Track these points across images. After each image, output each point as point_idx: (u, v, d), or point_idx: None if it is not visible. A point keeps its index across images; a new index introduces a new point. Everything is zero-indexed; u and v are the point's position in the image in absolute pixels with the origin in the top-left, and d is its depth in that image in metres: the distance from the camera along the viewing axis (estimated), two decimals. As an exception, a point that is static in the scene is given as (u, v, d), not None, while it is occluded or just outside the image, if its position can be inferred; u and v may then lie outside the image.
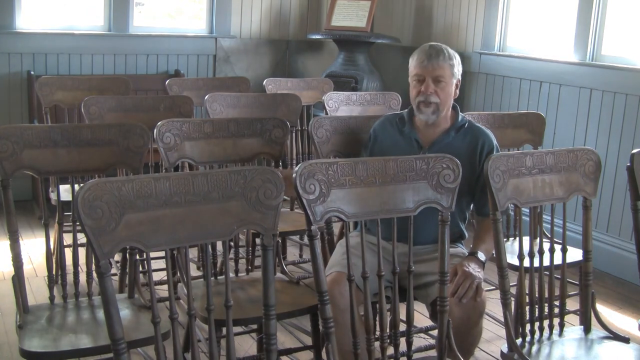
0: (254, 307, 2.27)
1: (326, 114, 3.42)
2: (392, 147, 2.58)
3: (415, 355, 2.38)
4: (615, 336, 2.17)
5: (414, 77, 2.55)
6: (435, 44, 2.59)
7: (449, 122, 2.59)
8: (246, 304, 2.33)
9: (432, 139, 2.57)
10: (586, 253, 2.20)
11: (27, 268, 3.47)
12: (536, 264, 2.16)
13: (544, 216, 3.17)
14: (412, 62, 2.56)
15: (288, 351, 2.77)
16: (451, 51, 2.57)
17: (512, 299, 2.08)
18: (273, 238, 1.73)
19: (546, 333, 2.15)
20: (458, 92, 2.60)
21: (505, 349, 2.04)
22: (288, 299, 2.37)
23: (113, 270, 2.87)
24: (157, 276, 3.37)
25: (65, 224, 2.41)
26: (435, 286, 2.34)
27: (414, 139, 2.58)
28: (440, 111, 2.54)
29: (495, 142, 2.59)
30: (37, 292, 3.41)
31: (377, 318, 1.94)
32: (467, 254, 2.52)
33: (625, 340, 2.15)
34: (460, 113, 2.64)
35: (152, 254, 1.64)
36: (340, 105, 3.51)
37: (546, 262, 2.16)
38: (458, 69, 2.58)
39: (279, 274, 2.61)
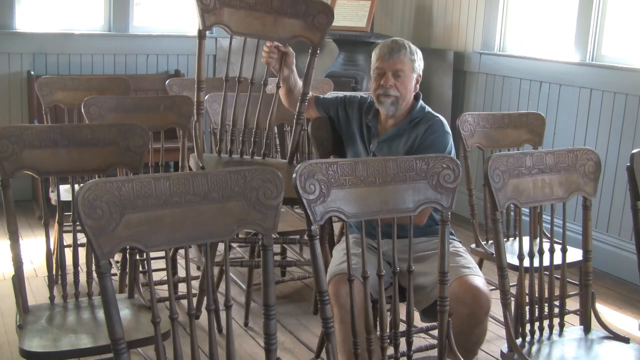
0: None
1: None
2: (357, 130, 2.70)
3: (416, 355, 2.38)
4: (615, 336, 2.17)
5: (375, 70, 2.61)
6: (398, 39, 2.62)
7: (405, 115, 2.61)
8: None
9: (386, 129, 2.64)
10: (586, 253, 2.20)
11: (27, 268, 3.47)
12: (536, 264, 2.16)
13: (543, 216, 3.17)
14: (374, 56, 2.61)
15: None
16: (413, 47, 2.61)
17: (512, 299, 2.08)
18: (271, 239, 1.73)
19: (546, 333, 2.15)
20: (418, 87, 2.63)
21: (505, 349, 2.04)
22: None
23: (113, 270, 2.87)
24: (157, 276, 3.37)
25: (65, 224, 2.41)
26: (425, 292, 2.35)
27: (372, 126, 2.66)
28: (399, 104, 2.58)
29: (438, 134, 2.54)
30: (37, 292, 3.41)
31: (378, 318, 1.94)
32: (462, 248, 2.51)
33: (625, 340, 2.15)
34: (421, 105, 2.65)
35: (152, 254, 1.64)
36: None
37: (546, 262, 2.16)
38: (419, 64, 2.61)
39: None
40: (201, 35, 2.60)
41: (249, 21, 2.57)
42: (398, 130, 2.59)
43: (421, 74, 2.64)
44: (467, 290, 2.25)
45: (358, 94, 2.88)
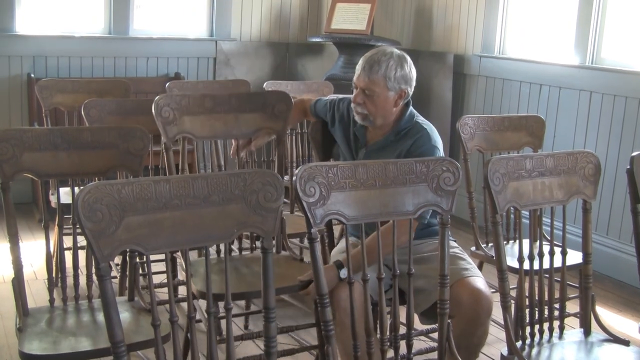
0: (257, 281, 2.31)
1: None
2: (343, 137, 2.66)
3: (416, 358, 2.38)
4: (615, 339, 2.17)
5: (353, 83, 2.54)
6: (381, 50, 2.50)
7: (392, 125, 2.56)
8: (250, 277, 2.38)
9: (375, 139, 2.59)
10: (586, 256, 2.20)
11: (27, 271, 3.47)
12: (536, 266, 2.16)
13: (543, 219, 3.16)
14: (357, 66, 2.54)
15: (291, 352, 2.76)
16: (395, 61, 2.46)
17: (512, 301, 2.08)
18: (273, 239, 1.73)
19: (546, 336, 2.15)
20: (401, 102, 2.51)
21: (505, 352, 2.04)
22: (292, 274, 2.37)
23: (113, 273, 2.86)
24: (157, 279, 3.37)
25: (65, 226, 2.41)
26: (425, 294, 2.34)
27: (359, 135, 2.61)
28: (372, 120, 2.52)
29: (425, 148, 2.46)
30: (37, 295, 3.41)
31: (378, 321, 1.94)
32: (458, 249, 2.50)
33: (625, 343, 2.15)
34: (410, 114, 2.55)
35: (152, 257, 1.64)
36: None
37: (546, 265, 2.16)
38: (399, 82, 2.46)
39: (282, 252, 2.64)
40: (167, 147, 2.60)
41: (211, 124, 2.60)
42: (385, 140, 2.55)
43: (406, 87, 2.49)
44: (469, 292, 2.25)
45: (349, 96, 2.87)
